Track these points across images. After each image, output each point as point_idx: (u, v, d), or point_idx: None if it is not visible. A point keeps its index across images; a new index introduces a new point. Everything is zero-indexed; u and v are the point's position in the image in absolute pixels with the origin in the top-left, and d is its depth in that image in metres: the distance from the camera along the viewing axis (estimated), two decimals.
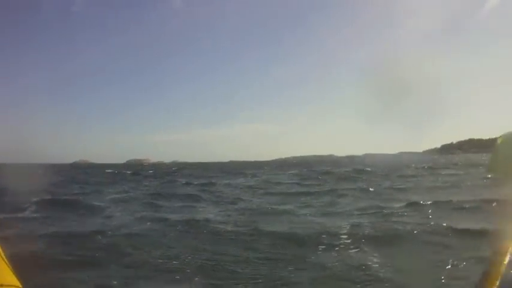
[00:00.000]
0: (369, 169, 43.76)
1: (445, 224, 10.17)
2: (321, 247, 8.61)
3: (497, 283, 1.48)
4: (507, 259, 1.53)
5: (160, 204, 16.75)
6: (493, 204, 12.63)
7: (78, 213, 13.92)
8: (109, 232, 10.35)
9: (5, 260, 2.38)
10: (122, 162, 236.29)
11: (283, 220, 12.21)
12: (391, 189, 20.81)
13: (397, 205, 14.33)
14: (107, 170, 60.79)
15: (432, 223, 10.62)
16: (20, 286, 2.27)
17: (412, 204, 14.07)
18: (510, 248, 1.56)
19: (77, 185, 29.47)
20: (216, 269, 7.14)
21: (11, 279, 2.31)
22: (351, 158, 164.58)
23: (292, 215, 13.36)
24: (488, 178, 21.60)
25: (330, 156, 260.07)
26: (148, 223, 11.85)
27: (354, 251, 8.27)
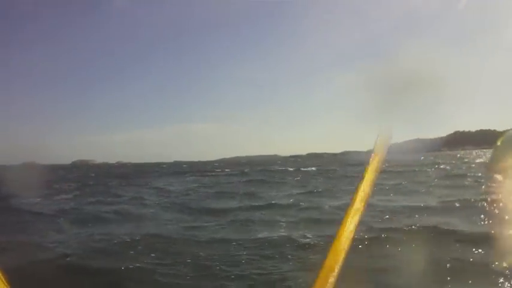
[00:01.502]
0: (313, 169, 44.67)
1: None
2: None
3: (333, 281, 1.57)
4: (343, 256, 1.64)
5: (106, 205, 16.71)
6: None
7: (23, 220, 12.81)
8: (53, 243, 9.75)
9: (6, 282, 2.14)
10: (68, 163, 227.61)
11: (222, 222, 12.09)
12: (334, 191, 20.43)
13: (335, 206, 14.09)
14: (54, 171, 59.35)
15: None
16: None
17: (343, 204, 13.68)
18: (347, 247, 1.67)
19: (24, 187, 28.73)
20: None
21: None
22: (295, 158, 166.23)
23: (234, 214, 13.43)
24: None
25: (275, 156, 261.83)
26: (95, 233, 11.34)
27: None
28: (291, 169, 46.36)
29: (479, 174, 24.76)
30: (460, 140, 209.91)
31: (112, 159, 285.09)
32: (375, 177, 2.19)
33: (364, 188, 1.99)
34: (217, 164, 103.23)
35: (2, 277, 2.36)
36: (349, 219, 1.83)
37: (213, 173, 45.96)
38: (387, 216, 11.38)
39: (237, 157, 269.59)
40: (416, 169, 34.94)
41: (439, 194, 15.82)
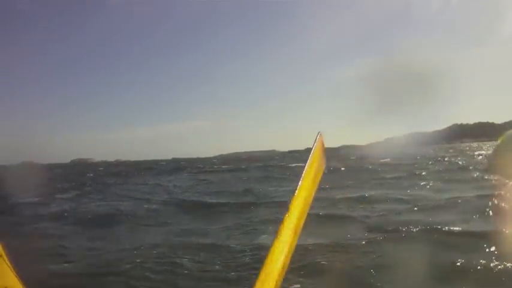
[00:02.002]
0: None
1: None
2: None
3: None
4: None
5: (107, 204, 16.50)
6: None
7: (25, 223, 12.54)
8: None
9: (8, 263, 2.59)
10: (67, 161, 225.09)
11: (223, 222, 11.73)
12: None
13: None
14: (53, 170, 58.55)
15: None
16: None
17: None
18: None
19: (24, 187, 27.86)
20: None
21: (14, 282, 2.51)
22: (293, 153, 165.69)
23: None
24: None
25: (273, 151, 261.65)
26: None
27: None
28: (292, 165, 45.75)
29: (478, 167, 24.62)
30: (458, 133, 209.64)
31: (111, 157, 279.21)
32: (312, 194, 2.04)
33: (292, 215, 1.80)
34: (216, 161, 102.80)
35: (14, 273, 2.60)
36: (276, 252, 1.66)
37: (212, 170, 45.67)
38: (383, 213, 11.24)
39: (235, 153, 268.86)
40: (417, 163, 34.82)
41: (437, 189, 15.69)
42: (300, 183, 1.89)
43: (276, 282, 1.62)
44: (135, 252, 8.20)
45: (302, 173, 1.98)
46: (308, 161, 2.02)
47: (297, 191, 1.85)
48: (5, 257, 2.88)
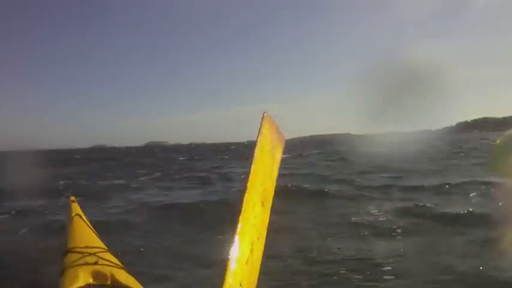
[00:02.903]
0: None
1: None
2: None
3: None
4: None
5: (190, 190, 14.68)
6: None
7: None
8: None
9: (87, 222, 2.84)
10: (141, 144, 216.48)
11: None
12: None
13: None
14: (128, 153, 57.07)
15: None
16: (106, 248, 2.69)
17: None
18: None
19: (104, 169, 26.28)
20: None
21: (99, 243, 2.71)
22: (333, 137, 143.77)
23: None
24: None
25: (338, 135, 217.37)
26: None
27: None
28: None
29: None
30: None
31: (184, 140, 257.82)
32: (276, 168, 1.88)
33: (252, 190, 1.57)
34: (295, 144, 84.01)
35: (97, 235, 2.71)
36: (246, 226, 1.45)
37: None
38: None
39: (310, 136, 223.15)
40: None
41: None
42: (253, 160, 1.67)
43: (257, 252, 1.51)
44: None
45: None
46: (257, 139, 1.79)
47: (251, 168, 1.63)
48: (84, 217, 2.87)
